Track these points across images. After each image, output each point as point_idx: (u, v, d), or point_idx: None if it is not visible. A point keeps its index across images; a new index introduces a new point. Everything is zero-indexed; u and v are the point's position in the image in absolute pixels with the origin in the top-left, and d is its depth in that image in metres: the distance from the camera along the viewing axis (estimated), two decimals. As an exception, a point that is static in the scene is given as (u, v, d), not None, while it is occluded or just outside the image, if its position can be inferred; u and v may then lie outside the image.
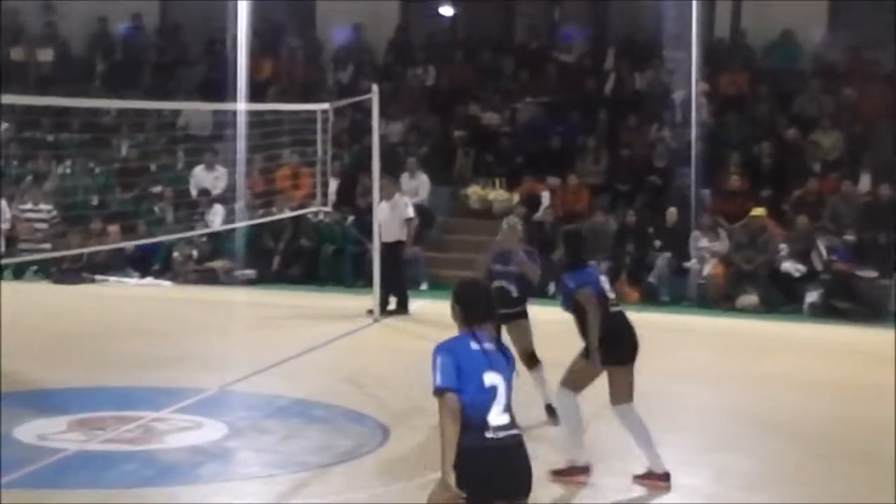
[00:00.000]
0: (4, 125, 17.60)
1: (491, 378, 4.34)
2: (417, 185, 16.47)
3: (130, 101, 16.23)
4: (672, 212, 15.07)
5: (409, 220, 13.27)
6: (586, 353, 6.86)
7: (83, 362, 10.16)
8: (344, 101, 15.22)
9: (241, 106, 15.43)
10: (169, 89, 19.05)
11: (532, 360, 8.39)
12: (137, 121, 17.70)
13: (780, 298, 14.35)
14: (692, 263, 14.76)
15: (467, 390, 4.29)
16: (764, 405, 9.36)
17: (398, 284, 13.16)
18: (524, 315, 8.51)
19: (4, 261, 14.12)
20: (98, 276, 15.51)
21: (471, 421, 4.28)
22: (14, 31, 20.21)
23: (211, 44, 20.03)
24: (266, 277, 15.58)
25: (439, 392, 4.29)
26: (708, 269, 14.64)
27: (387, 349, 11.30)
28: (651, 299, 14.47)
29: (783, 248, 14.59)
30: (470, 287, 4.62)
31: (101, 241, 15.03)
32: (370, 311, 12.72)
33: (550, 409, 8.21)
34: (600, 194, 16.34)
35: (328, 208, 15.02)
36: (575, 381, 6.94)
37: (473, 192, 16.55)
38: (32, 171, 16.77)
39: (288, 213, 15.36)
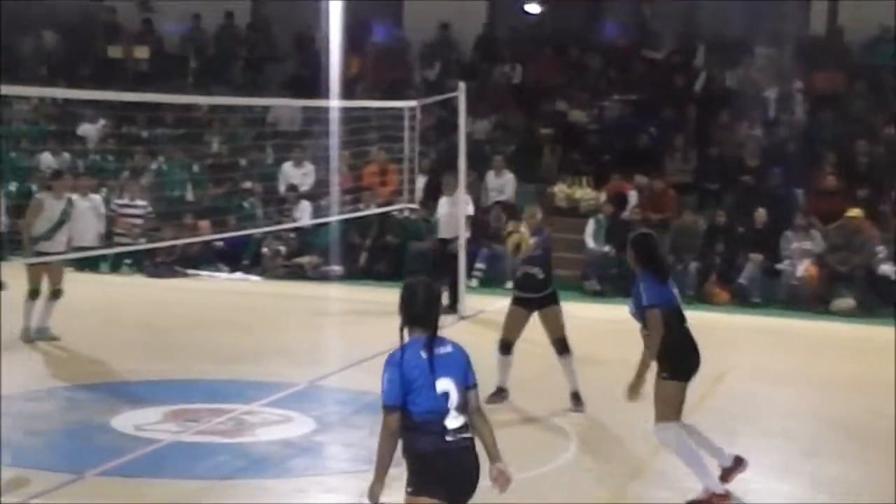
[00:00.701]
0: (102, 122, 18.08)
1: (442, 384, 4.45)
2: (503, 183, 16.47)
3: (221, 98, 16.50)
4: (762, 212, 14.81)
5: (468, 217, 13.31)
6: (661, 374, 6.61)
7: (177, 354, 10.38)
8: (431, 99, 15.28)
9: (331, 103, 15.57)
10: (259, 85, 19.39)
11: (562, 346, 8.64)
12: (228, 117, 18.06)
13: (877, 301, 14.02)
14: (784, 265, 14.50)
15: (421, 401, 4.42)
16: (859, 411, 9.16)
17: (452, 283, 13.27)
18: (555, 300, 8.74)
19: (101, 252, 14.48)
20: (190, 270, 15.77)
21: (429, 427, 4.42)
22: (112, 30, 20.74)
23: (300, 40, 20.33)
24: (353, 273, 15.72)
25: (384, 409, 4.46)
26: (801, 271, 14.36)
27: (472, 346, 11.25)
28: (741, 300, 14.26)
29: (880, 249, 14.24)
30: (411, 288, 4.58)
31: (193, 235, 15.30)
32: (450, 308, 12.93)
33: (576, 397, 8.58)
34: (688, 193, 16.15)
35: (415, 205, 15.12)
36: (667, 409, 6.61)
37: (560, 190, 16.46)
38: (129, 166, 17.17)
39: (375, 210, 15.47)
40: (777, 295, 14.47)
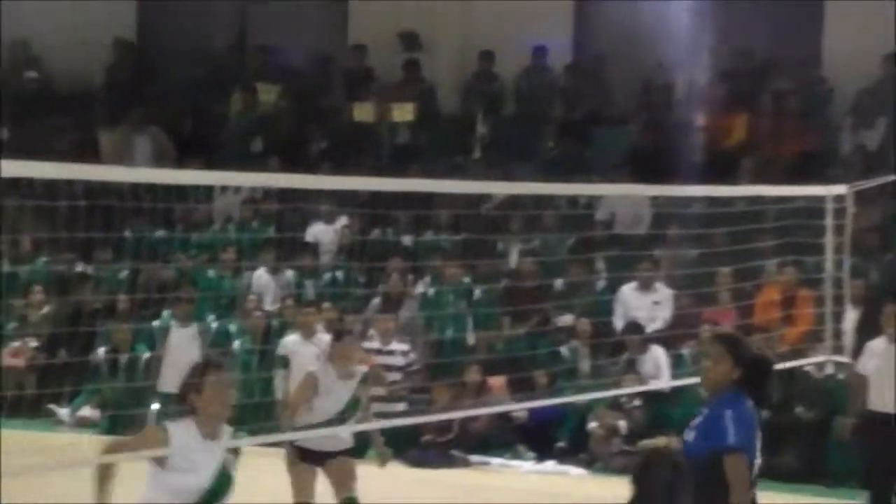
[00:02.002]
0: (342, 221, 18.95)
1: None
2: None
3: (523, 184, 16.91)
4: None
5: None
6: None
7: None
8: (872, 181, 15.01)
9: (701, 190, 15.63)
10: (583, 163, 19.74)
11: None
12: (534, 213, 18.44)
13: None
14: None
15: None
16: None
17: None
18: None
19: (334, 430, 14.97)
20: (474, 457, 16.08)
21: None
22: (360, 79, 21.80)
23: (648, 91, 20.63)
24: (738, 468, 15.51)
25: None
26: None
27: None
28: None
29: None
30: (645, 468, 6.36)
31: (480, 400, 15.60)
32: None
33: None
34: None
35: (844, 358, 14.77)
36: None
37: None
38: (382, 291, 17.83)
39: (775, 364, 15.28)
40: None
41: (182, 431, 7.17)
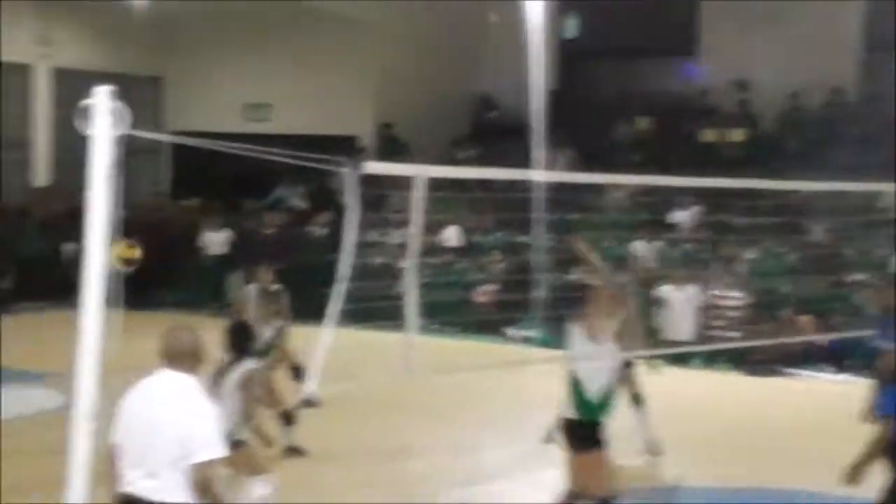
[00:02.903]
0: (695, 207, 18.88)
1: None
2: None
3: (819, 183, 16.36)
4: None
5: None
6: None
7: (756, 459, 10.58)
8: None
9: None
10: (868, 167, 18.96)
11: None
12: (832, 203, 17.89)
13: None
14: None
15: None
16: None
17: None
18: None
19: (695, 349, 15.03)
20: (789, 370, 15.75)
21: None
22: (706, 113, 21.68)
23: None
24: None
25: None
26: None
27: None
28: None
29: None
30: None
31: (793, 331, 15.32)
32: None
33: None
34: None
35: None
36: None
37: None
38: (722, 255, 17.69)
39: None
40: None
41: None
